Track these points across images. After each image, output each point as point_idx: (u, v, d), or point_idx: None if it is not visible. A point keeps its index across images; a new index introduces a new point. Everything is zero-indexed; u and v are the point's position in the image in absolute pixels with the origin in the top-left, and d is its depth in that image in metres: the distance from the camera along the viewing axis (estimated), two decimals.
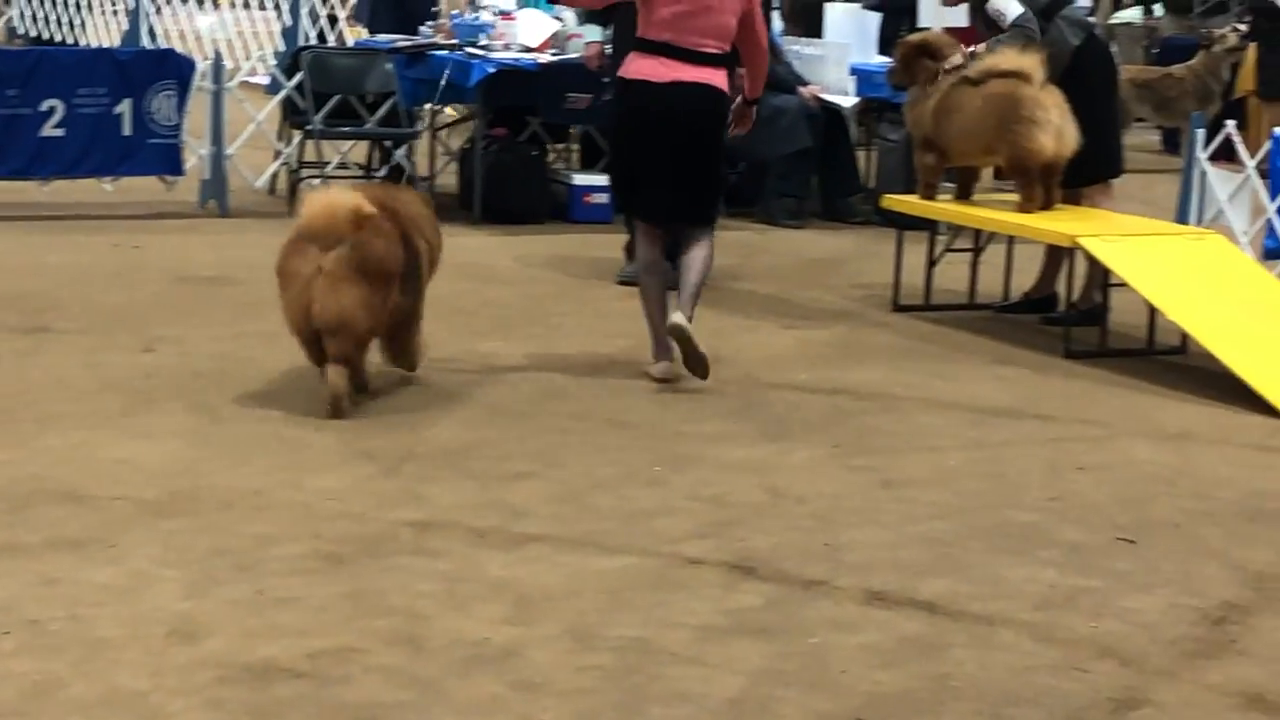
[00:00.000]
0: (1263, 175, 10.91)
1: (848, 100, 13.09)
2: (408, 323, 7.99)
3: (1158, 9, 18.24)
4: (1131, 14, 17.91)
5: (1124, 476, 7.13)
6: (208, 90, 12.29)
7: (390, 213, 7.74)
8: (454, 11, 18.74)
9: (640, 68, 8.26)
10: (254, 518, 6.23)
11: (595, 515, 6.40)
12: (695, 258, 8.32)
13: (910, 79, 9.86)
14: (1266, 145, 10.88)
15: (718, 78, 8.27)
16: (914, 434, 7.64)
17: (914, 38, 10.05)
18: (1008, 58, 9.35)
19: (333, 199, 7.63)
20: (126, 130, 12.00)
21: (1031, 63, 9.28)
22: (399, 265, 7.69)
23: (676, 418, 7.71)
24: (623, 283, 10.36)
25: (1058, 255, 9.82)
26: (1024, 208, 9.43)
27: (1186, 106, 15.69)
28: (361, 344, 7.68)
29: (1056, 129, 9.25)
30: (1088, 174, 9.72)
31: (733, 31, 8.28)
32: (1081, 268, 9.51)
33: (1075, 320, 9.31)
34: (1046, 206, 9.43)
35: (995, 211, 9.70)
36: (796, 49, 13.43)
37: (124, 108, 11.96)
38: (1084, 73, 9.72)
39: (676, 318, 8.12)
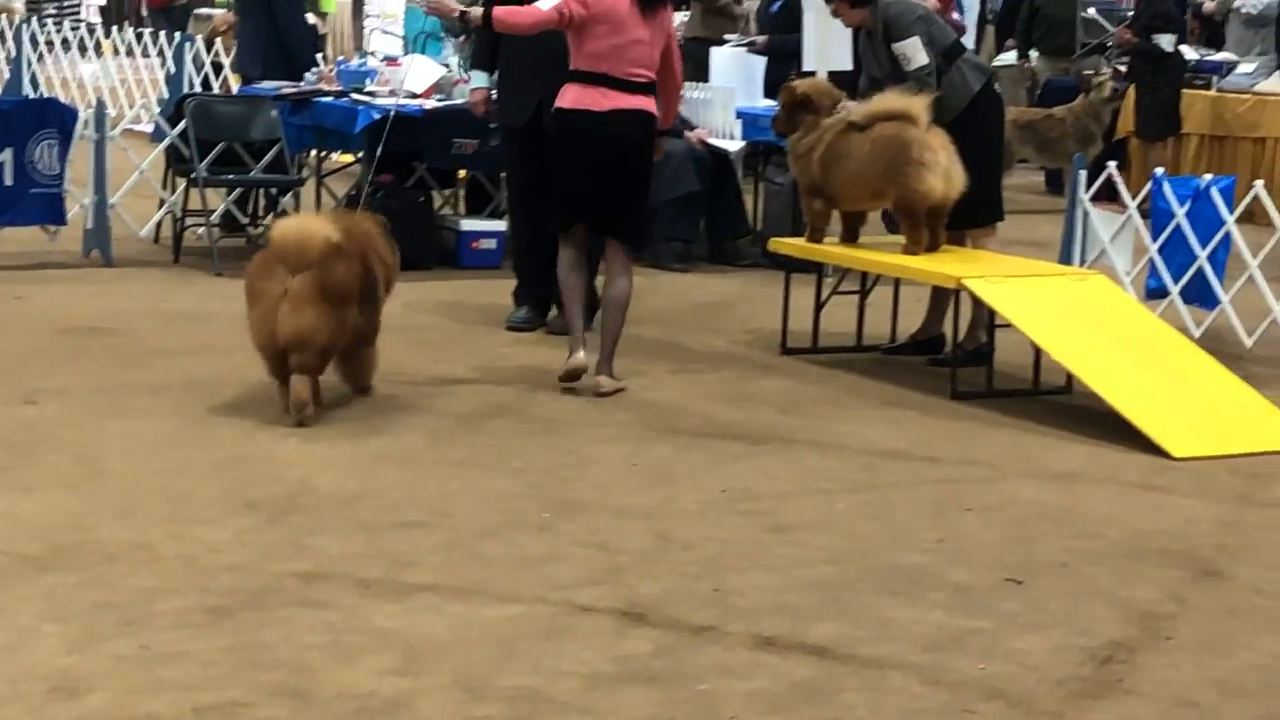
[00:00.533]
0: (1144, 215, 11.03)
1: (734, 144, 13.13)
2: (363, 342, 8.62)
3: (1033, 53, 18.40)
4: (1008, 56, 18.06)
5: (1011, 517, 7.17)
6: (90, 139, 12.19)
7: (350, 238, 8.37)
8: (340, 58, 18.73)
9: (580, 97, 8.95)
10: (138, 571, 6.16)
11: (484, 563, 6.37)
12: (619, 293, 9.11)
13: (791, 128, 9.91)
14: (1148, 185, 11.00)
15: (650, 104, 9.06)
16: (802, 477, 7.65)
17: (798, 86, 10.06)
18: (893, 100, 9.40)
19: (304, 225, 8.37)
20: (8, 180, 11.85)
21: (917, 105, 9.34)
22: (357, 288, 8.35)
23: (564, 464, 7.69)
24: (512, 328, 10.35)
25: (943, 297, 9.87)
26: (910, 250, 9.48)
27: (1068, 148, 15.86)
28: (322, 357, 8.25)
29: (945, 171, 9.31)
30: (977, 218, 9.82)
31: (658, 62, 9.06)
32: (967, 309, 9.57)
33: (961, 361, 9.36)
34: (932, 249, 9.49)
35: (881, 254, 9.75)
36: (683, 93, 13.46)
37: (5, 157, 11.82)
38: (978, 118, 9.79)
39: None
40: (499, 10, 9.06)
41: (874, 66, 9.90)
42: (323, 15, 23.44)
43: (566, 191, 9.13)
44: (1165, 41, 15.43)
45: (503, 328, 10.45)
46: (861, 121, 9.49)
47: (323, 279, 8.13)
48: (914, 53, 9.62)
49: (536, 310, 10.43)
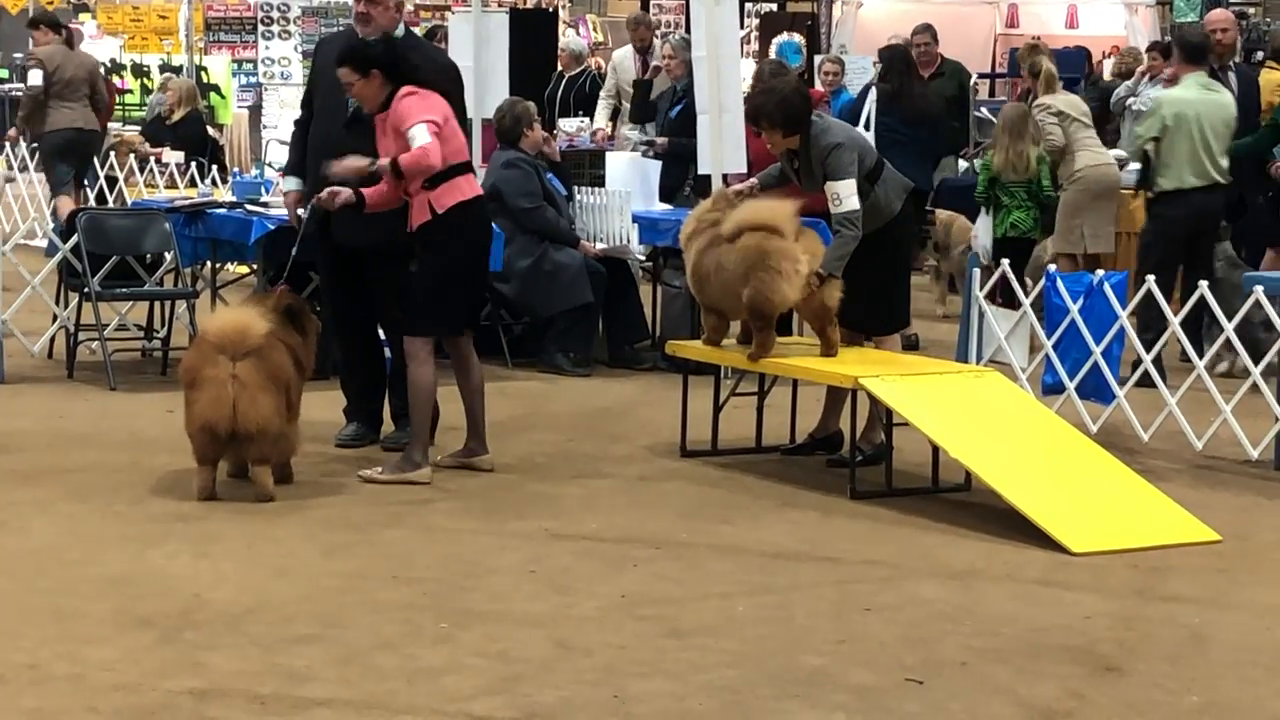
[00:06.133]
0: (1038, 313, 11.10)
1: (631, 249, 13.14)
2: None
3: None
4: None
5: (911, 616, 7.15)
6: None
7: (274, 324, 8.89)
8: (235, 169, 18.69)
9: (473, 186, 9.31)
10: (27, 693, 6.07)
11: (380, 676, 6.30)
12: (482, 379, 9.54)
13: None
14: (1041, 283, 11.06)
15: None
16: (702, 581, 7.61)
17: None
18: (759, 211, 9.37)
19: (240, 315, 8.87)
20: None
21: (781, 213, 9.32)
22: (291, 374, 8.89)
23: (462, 572, 7.63)
24: (341, 446, 10.04)
25: (839, 395, 9.90)
26: (754, 355, 9.50)
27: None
28: (276, 444, 8.76)
29: (805, 278, 9.28)
30: (880, 326, 9.89)
31: None
32: (865, 408, 9.58)
33: (860, 462, 9.36)
34: (828, 354, 9.49)
35: (778, 355, 9.73)
36: (579, 198, 13.48)
37: None
38: (893, 234, 9.84)
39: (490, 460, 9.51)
40: (404, 158, 8.98)
41: (801, 182, 9.88)
42: (220, 127, 23.45)
43: (478, 284, 9.59)
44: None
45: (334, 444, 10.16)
46: (729, 234, 9.48)
47: (266, 366, 8.64)
48: (846, 195, 9.55)
49: (367, 425, 10.15)
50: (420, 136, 8.93)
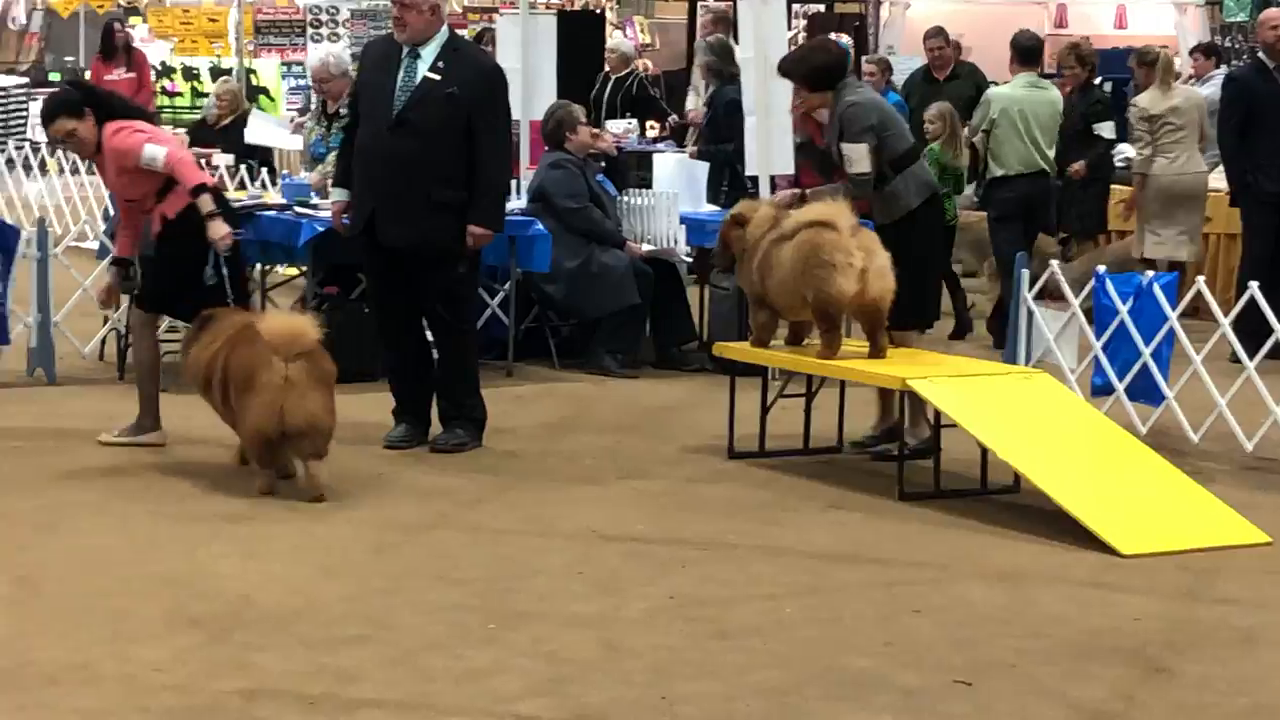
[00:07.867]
0: (1087, 313, 11.06)
1: (679, 250, 13.13)
2: None
3: None
4: None
5: (959, 618, 7.14)
6: (34, 257, 12.13)
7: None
8: (284, 172, 18.73)
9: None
10: (79, 692, 6.11)
11: (428, 677, 6.32)
12: (144, 354, 10.16)
13: (728, 258, 10.01)
14: (1090, 283, 11.02)
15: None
16: (750, 583, 7.61)
17: (730, 212, 10.17)
18: (817, 208, 9.43)
19: (294, 320, 9.07)
20: None
21: (837, 210, 9.34)
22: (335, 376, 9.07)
23: (509, 573, 7.64)
24: (389, 447, 10.02)
25: (889, 394, 9.90)
26: (823, 354, 9.48)
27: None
28: (327, 440, 8.84)
29: (861, 272, 9.27)
30: (901, 320, 9.83)
31: None
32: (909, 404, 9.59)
33: (908, 455, 9.34)
34: (876, 356, 9.47)
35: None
36: (626, 199, 13.47)
37: None
38: (915, 229, 9.87)
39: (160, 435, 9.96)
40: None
41: (835, 154, 9.97)
42: None
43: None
44: (1106, 129, 15.33)
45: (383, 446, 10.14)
46: (789, 231, 9.50)
47: (318, 366, 8.82)
48: (857, 158, 9.71)
49: (415, 426, 10.10)
50: (156, 152, 9.62)
